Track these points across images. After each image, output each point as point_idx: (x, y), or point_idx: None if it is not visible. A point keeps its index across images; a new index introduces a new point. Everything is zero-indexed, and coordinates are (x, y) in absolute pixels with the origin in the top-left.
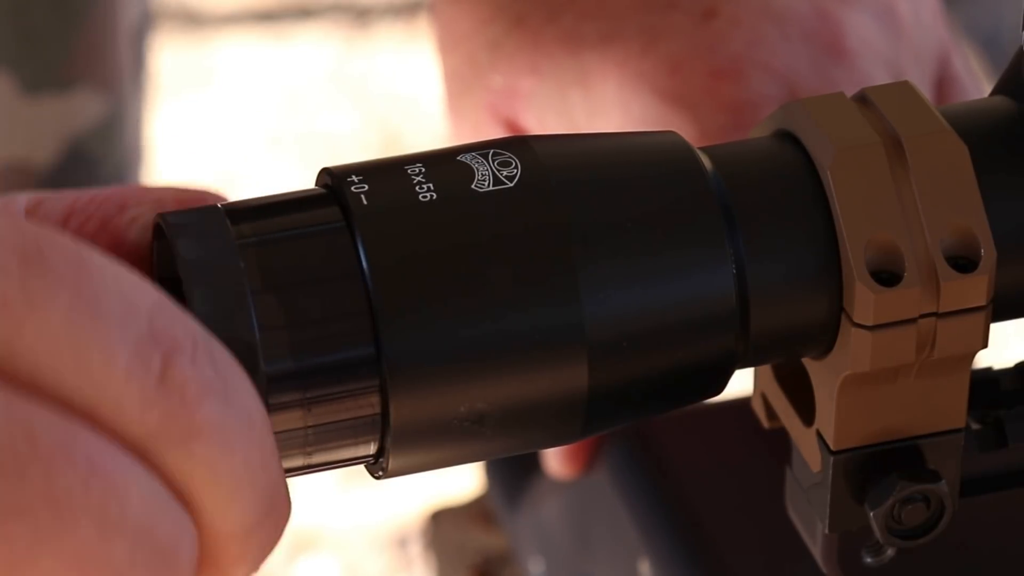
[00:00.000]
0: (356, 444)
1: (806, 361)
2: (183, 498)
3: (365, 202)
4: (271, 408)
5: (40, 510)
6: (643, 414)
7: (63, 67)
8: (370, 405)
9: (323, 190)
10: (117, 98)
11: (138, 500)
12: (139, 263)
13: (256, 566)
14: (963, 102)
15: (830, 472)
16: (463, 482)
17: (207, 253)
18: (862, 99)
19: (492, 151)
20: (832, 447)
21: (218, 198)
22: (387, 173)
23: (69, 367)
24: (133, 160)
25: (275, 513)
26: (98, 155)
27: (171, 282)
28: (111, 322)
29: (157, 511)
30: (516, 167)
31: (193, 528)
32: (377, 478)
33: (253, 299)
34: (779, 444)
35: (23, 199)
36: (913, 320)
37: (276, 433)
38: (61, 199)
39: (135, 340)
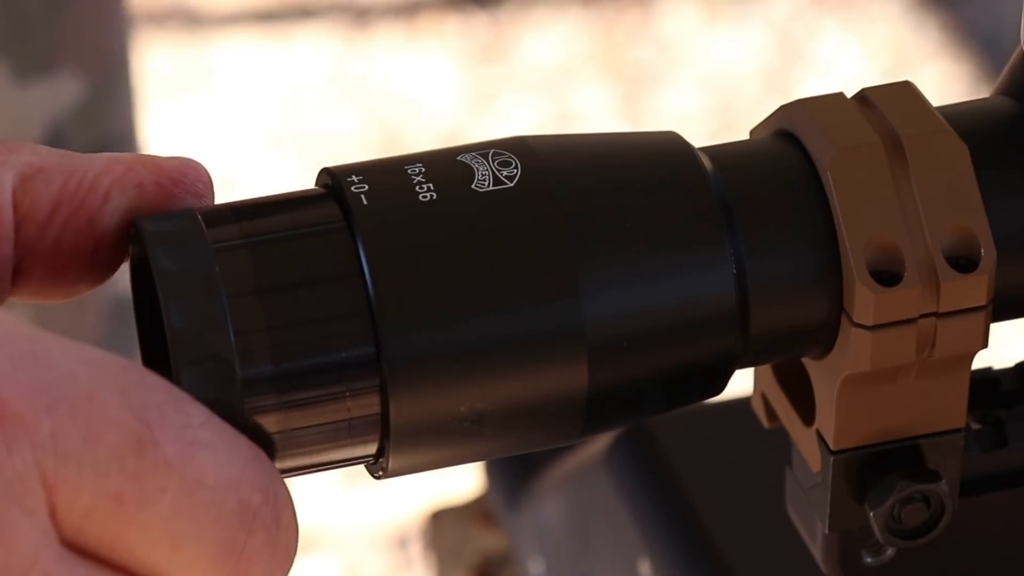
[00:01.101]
0: (356, 444)
1: (806, 361)
2: None
3: (365, 202)
4: (271, 408)
5: None
6: (643, 414)
7: (49, 50)
8: (370, 405)
9: (323, 190)
10: (100, 82)
11: None
12: (119, 249)
13: None
14: (963, 102)
15: (830, 472)
16: (463, 482)
17: (183, 264)
18: (862, 99)
19: (492, 151)
20: (832, 447)
21: (196, 175)
22: (387, 173)
23: (164, 559)
24: (113, 141)
25: None
26: (75, 135)
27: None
28: (207, 509)
29: None
30: (516, 167)
31: None
32: (377, 478)
33: (253, 298)
34: (779, 444)
35: (12, 176)
36: (913, 320)
37: (276, 433)
38: (49, 182)
39: (225, 526)
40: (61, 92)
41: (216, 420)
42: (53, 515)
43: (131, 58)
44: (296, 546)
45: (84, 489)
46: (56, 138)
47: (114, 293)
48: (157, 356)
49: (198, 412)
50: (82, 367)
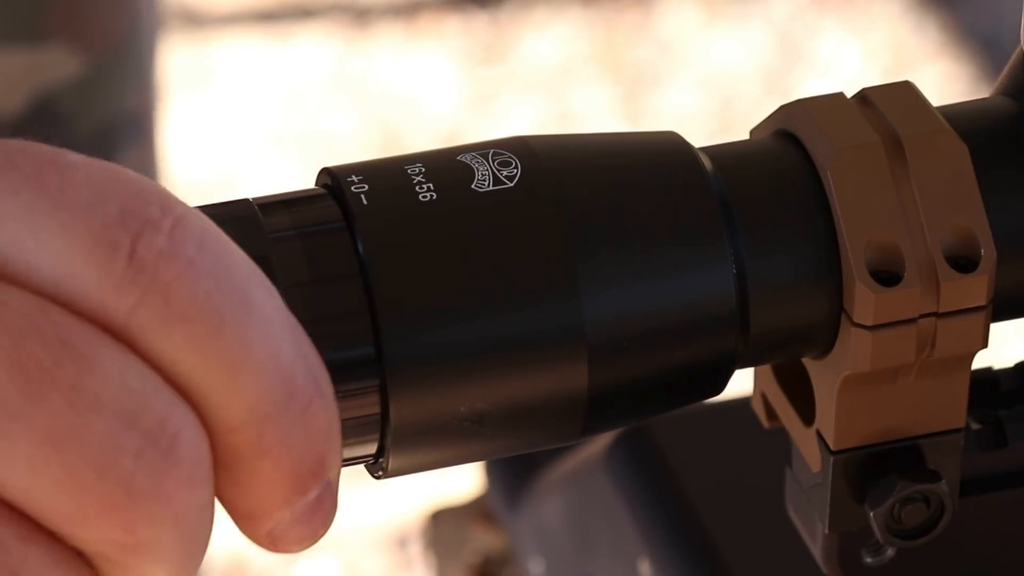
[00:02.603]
0: (356, 444)
1: (806, 361)
2: (177, 385)
3: (365, 202)
4: None
5: (5, 382)
6: (643, 414)
7: (38, 20)
8: (370, 405)
9: (323, 190)
10: (101, 60)
11: (117, 380)
12: None
13: (295, 463)
14: (963, 102)
15: (830, 472)
16: (463, 482)
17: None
18: (862, 99)
19: (492, 151)
20: (832, 447)
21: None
22: (387, 173)
23: (32, 253)
24: (117, 125)
25: (297, 400)
26: (70, 112)
27: None
28: (74, 209)
29: (143, 394)
30: (516, 167)
31: (195, 417)
32: (377, 478)
33: None
34: (779, 444)
35: None
36: (913, 320)
37: None
38: None
39: (100, 222)
40: (52, 65)
41: None
42: None
43: (148, 41)
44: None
45: None
46: (44, 109)
47: None
48: None
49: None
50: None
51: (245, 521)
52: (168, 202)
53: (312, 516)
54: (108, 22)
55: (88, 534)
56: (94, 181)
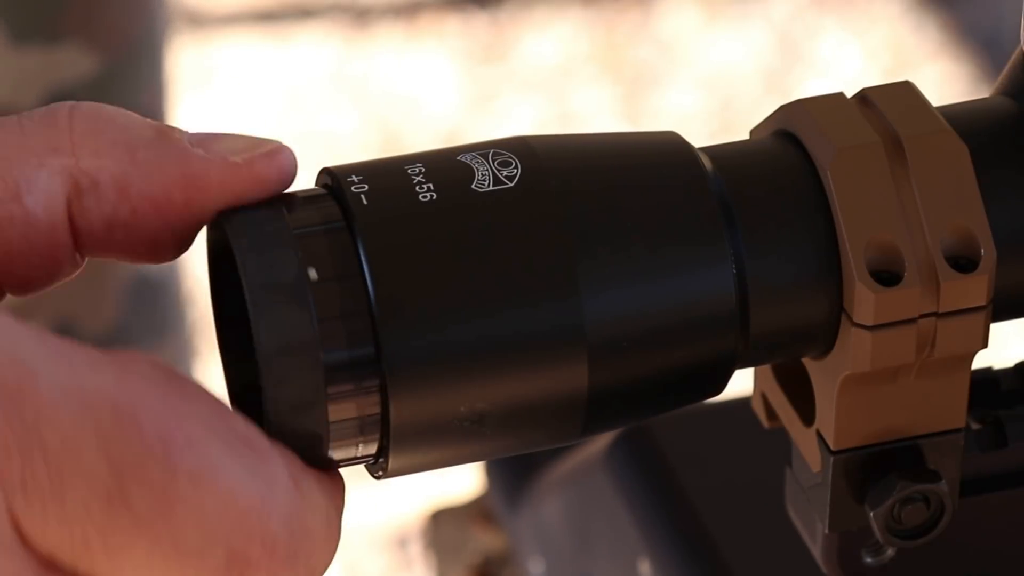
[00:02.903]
0: (356, 444)
1: (806, 361)
2: None
3: (365, 202)
4: None
5: None
6: (643, 414)
7: (55, 19)
8: (370, 405)
9: (323, 190)
10: (116, 59)
11: None
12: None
13: None
14: (963, 102)
15: (830, 472)
16: (463, 482)
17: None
18: (862, 99)
19: (492, 151)
20: (832, 447)
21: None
22: (387, 173)
23: None
24: None
25: None
26: None
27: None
28: (184, 559)
29: None
30: (516, 167)
31: None
32: (377, 478)
33: None
34: (779, 444)
35: (63, 189)
36: (913, 320)
37: None
38: (101, 201)
39: (210, 570)
40: (67, 63)
41: (226, 463)
42: (26, 544)
43: (159, 41)
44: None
45: (50, 532)
46: None
47: (137, 272)
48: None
49: (193, 463)
50: (67, 407)
51: None
52: (260, 529)
53: None
54: (123, 22)
55: None
56: (202, 520)
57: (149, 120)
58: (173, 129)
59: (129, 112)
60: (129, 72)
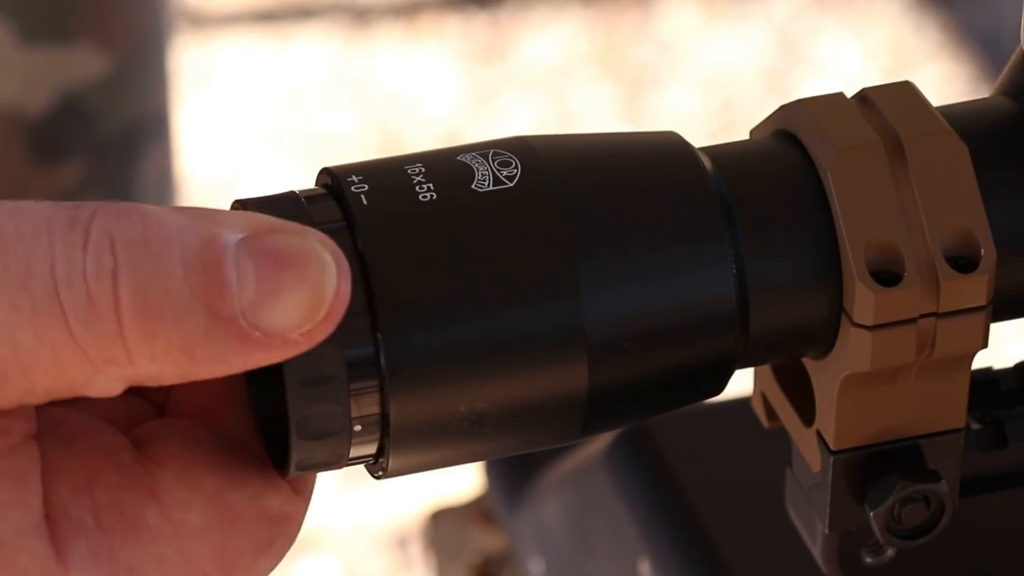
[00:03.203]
0: (356, 444)
1: (806, 361)
2: None
3: (365, 202)
4: None
5: None
6: (643, 414)
7: (66, 19)
8: (370, 405)
9: (323, 190)
10: (127, 60)
11: None
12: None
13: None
14: (963, 102)
15: (830, 472)
16: (463, 482)
17: None
18: (862, 99)
19: (492, 151)
20: (832, 447)
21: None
22: (387, 173)
23: None
24: (141, 124)
25: None
26: (98, 111)
27: None
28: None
29: None
30: (516, 167)
31: None
32: (377, 478)
33: None
34: (779, 444)
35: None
36: (913, 320)
37: None
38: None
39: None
40: (79, 64)
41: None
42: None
43: (167, 41)
44: None
45: None
46: (71, 107)
47: None
48: None
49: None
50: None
51: None
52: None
53: None
54: (134, 22)
55: None
56: None
57: (192, 278)
58: (224, 299)
59: (165, 266)
60: (138, 72)
